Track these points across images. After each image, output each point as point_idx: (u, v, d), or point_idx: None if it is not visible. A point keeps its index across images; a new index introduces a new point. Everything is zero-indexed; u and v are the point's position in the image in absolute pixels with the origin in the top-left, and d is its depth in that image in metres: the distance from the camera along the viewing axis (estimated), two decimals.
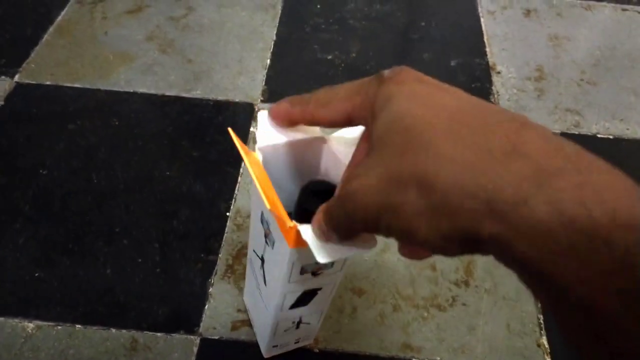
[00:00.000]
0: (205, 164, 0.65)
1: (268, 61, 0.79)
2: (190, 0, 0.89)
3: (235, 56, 0.80)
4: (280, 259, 0.35)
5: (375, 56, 0.82)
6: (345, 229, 0.27)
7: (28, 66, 0.76)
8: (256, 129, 0.66)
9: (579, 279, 0.19)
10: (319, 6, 0.90)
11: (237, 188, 0.63)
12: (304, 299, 0.40)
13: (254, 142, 0.67)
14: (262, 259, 0.40)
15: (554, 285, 0.20)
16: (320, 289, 0.40)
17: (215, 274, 0.55)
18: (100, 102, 0.71)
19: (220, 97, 0.73)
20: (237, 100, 0.73)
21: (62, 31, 0.81)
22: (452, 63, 0.82)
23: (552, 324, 0.53)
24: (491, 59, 0.83)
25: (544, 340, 0.52)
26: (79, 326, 0.51)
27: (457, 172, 0.21)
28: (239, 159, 0.65)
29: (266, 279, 0.40)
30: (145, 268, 0.55)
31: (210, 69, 0.77)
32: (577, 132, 0.73)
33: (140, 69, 0.76)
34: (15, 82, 0.73)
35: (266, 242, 0.37)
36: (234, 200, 0.62)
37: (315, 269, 0.36)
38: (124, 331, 0.51)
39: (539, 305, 0.55)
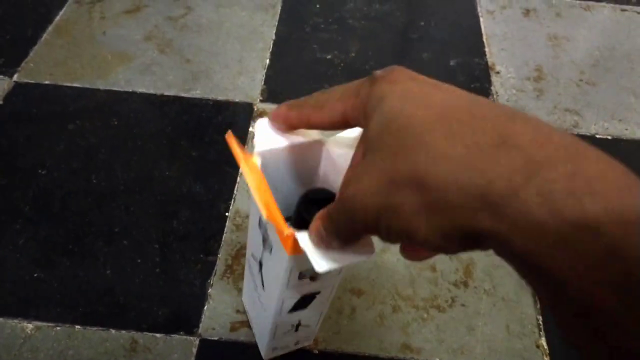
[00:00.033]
0: (205, 164, 0.65)
1: (267, 61, 0.79)
2: (188, 0, 0.88)
3: (234, 56, 0.80)
4: (278, 264, 0.35)
5: (375, 56, 0.82)
6: (346, 232, 0.27)
7: (27, 66, 0.75)
8: (255, 129, 0.66)
9: (573, 272, 0.19)
10: (318, 6, 0.90)
11: (236, 188, 0.63)
12: (303, 302, 0.40)
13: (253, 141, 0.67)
14: (260, 263, 0.40)
15: (552, 279, 0.20)
16: (318, 292, 0.40)
17: (215, 274, 0.55)
18: (100, 102, 0.71)
19: (220, 97, 0.73)
20: (236, 100, 0.73)
21: (61, 31, 0.81)
22: (452, 63, 0.82)
23: (551, 325, 0.53)
24: (490, 58, 0.83)
25: (543, 342, 0.53)
26: (79, 327, 0.51)
27: (450, 169, 0.21)
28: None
29: (264, 283, 0.40)
30: (144, 269, 0.55)
31: (209, 69, 0.77)
32: (576, 133, 0.73)
33: (139, 68, 0.76)
34: (14, 81, 0.73)
35: (264, 246, 0.37)
36: (233, 200, 0.61)
37: (314, 274, 0.36)
38: (123, 332, 0.51)
39: (539, 306, 0.55)
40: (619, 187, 0.19)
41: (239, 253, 0.57)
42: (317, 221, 0.28)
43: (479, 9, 0.93)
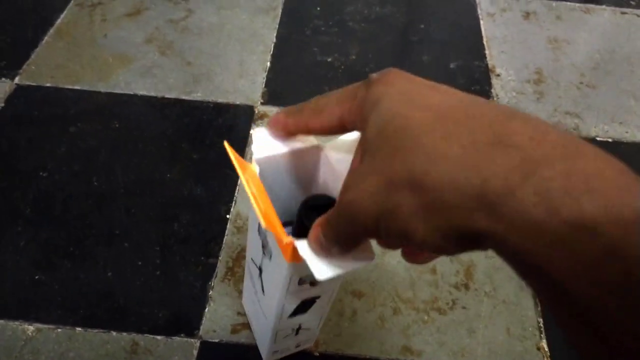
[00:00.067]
0: (205, 167, 0.65)
1: (268, 63, 0.80)
2: (189, 3, 0.89)
3: (235, 58, 0.80)
4: (277, 271, 0.35)
5: (375, 58, 0.82)
6: (347, 237, 0.27)
7: (28, 68, 0.75)
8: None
9: (571, 272, 0.19)
10: (318, 8, 0.90)
11: (237, 190, 0.63)
12: (303, 307, 0.40)
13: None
14: (260, 269, 0.40)
15: (550, 279, 0.20)
16: (318, 297, 0.40)
17: (215, 276, 0.55)
18: (101, 105, 0.71)
19: (220, 100, 0.73)
20: (237, 102, 0.73)
21: (62, 33, 0.81)
22: (452, 65, 0.82)
23: (552, 328, 0.53)
24: (490, 61, 0.84)
25: (544, 344, 0.53)
26: (79, 329, 0.51)
27: (446, 169, 0.21)
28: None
29: (264, 288, 0.40)
30: (145, 271, 0.55)
31: (210, 72, 0.77)
32: (576, 135, 0.73)
33: (140, 71, 0.76)
34: (16, 84, 0.73)
35: (264, 253, 0.37)
36: (234, 202, 0.62)
37: (314, 280, 0.36)
38: (124, 334, 0.51)
39: (539, 308, 0.55)
40: (618, 185, 0.19)
41: (240, 255, 0.57)
42: (316, 229, 0.28)
43: (479, 11, 0.93)
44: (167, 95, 0.73)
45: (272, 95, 0.75)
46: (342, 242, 0.27)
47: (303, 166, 0.37)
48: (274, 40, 0.84)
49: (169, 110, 0.71)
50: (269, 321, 0.41)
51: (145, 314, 0.52)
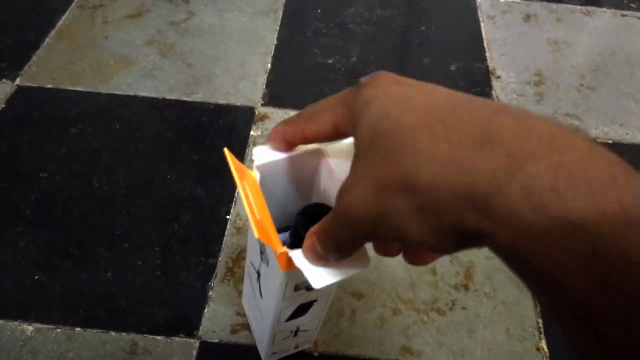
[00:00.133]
0: (206, 168, 0.65)
1: (269, 65, 0.80)
2: (190, 5, 0.89)
3: (236, 60, 0.80)
4: (274, 277, 0.35)
5: (376, 60, 0.82)
6: (346, 243, 0.27)
7: (29, 69, 0.76)
8: (255, 132, 0.66)
9: (559, 268, 0.19)
10: (319, 11, 0.90)
11: (237, 191, 0.63)
12: (301, 310, 0.40)
13: (254, 145, 0.67)
14: (259, 273, 0.40)
15: (541, 276, 0.20)
16: (315, 300, 0.40)
17: (215, 277, 0.55)
18: (102, 106, 0.72)
19: (221, 101, 0.73)
20: (237, 104, 0.73)
21: (63, 35, 0.81)
22: (452, 67, 0.82)
23: (551, 328, 0.53)
24: (491, 63, 0.84)
25: (544, 344, 0.52)
26: (79, 329, 0.51)
27: (435, 169, 0.21)
28: (240, 160, 0.65)
29: (262, 292, 0.40)
30: (145, 272, 0.55)
31: (211, 73, 0.77)
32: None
33: (141, 73, 0.77)
34: (17, 85, 0.73)
35: (261, 258, 0.37)
36: (234, 203, 0.62)
37: (310, 285, 0.37)
38: (123, 334, 0.51)
39: (539, 309, 0.55)
40: (604, 179, 0.18)
41: (240, 256, 0.57)
42: (310, 238, 0.28)
43: (479, 14, 0.93)
44: (167, 97, 0.73)
45: (272, 97, 0.75)
46: (340, 248, 0.27)
47: (304, 171, 0.37)
48: (275, 42, 0.84)
49: (169, 112, 0.72)
50: (267, 324, 0.41)
51: (145, 314, 0.52)
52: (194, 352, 0.50)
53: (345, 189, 0.25)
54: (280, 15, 0.89)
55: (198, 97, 0.74)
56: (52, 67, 0.76)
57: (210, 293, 0.54)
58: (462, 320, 0.54)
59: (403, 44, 0.86)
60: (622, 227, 0.17)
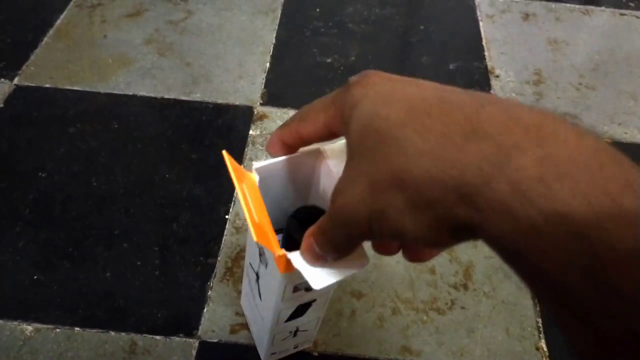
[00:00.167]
0: (205, 167, 0.65)
1: (268, 64, 0.80)
2: (189, 4, 0.89)
3: (234, 59, 0.80)
4: (273, 279, 0.35)
5: (374, 60, 0.82)
6: (343, 243, 0.27)
7: (28, 69, 0.76)
8: (254, 131, 0.66)
9: (548, 259, 0.19)
10: (318, 10, 0.90)
11: (236, 191, 0.63)
12: (300, 311, 0.40)
13: (253, 144, 0.67)
14: (257, 275, 0.40)
15: (531, 268, 0.20)
16: (314, 300, 0.40)
17: (215, 277, 0.55)
18: (100, 105, 0.71)
19: (220, 100, 0.73)
20: (236, 103, 0.73)
21: (62, 34, 0.81)
22: (451, 67, 0.82)
23: (551, 328, 0.53)
24: (490, 62, 0.84)
25: (543, 344, 0.53)
26: (78, 329, 0.51)
27: (424, 164, 0.22)
28: (239, 160, 0.65)
29: (261, 294, 0.40)
30: (144, 271, 0.55)
31: (210, 72, 0.77)
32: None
33: (139, 72, 0.76)
34: (15, 84, 0.73)
35: (260, 260, 0.37)
36: (233, 203, 0.62)
37: (309, 286, 0.37)
38: (123, 334, 0.51)
39: (538, 308, 0.55)
40: (590, 168, 0.18)
41: (239, 256, 0.57)
42: (307, 239, 0.28)
43: (478, 13, 0.93)
44: (166, 96, 0.73)
45: (271, 96, 0.75)
46: (337, 248, 0.27)
47: (302, 172, 0.37)
48: (274, 41, 0.84)
49: (168, 111, 0.71)
50: (266, 325, 0.41)
51: (144, 314, 0.52)
52: (194, 352, 0.50)
53: (339, 189, 0.25)
54: (279, 15, 0.89)
55: (197, 96, 0.74)
56: (50, 66, 0.76)
57: (209, 293, 0.54)
58: (461, 320, 0.54)
59: (402, 44, 0.86)
60: (609, 216, 0.17)
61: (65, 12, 0.85)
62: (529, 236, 0.19)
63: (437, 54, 0.84)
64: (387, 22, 0.89)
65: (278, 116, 0.72)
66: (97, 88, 0.74)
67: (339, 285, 0.51)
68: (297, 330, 0.44)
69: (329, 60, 0.81)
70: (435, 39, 0.87)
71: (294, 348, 0.49)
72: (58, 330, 0.51)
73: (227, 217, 0.60)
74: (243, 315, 0.52)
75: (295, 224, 0.34)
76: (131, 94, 0.73)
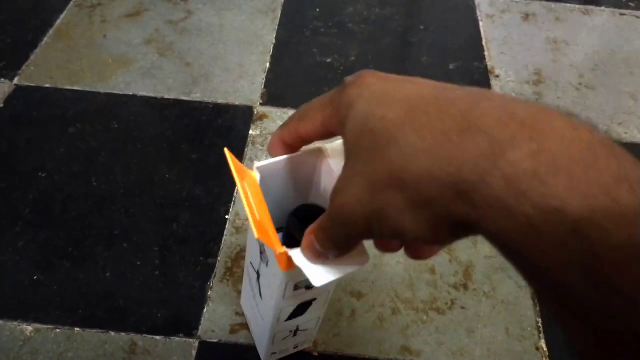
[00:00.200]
0: (205, 167, 0.65)
1: (268, 64, 0.80)
2: (189, 4, 0.89)
3: (234, 59, 0.80)
4: (274, 277, 0.35)
5: (374, 60, 0.82)
6: (342, 242, 0.27)
7: (27, 69, 0.76)
8: (254, 131, 0.66)
9: (544, 254, 0.19)
10: (318, 10, 0.90)
11: (236, 191, 0.63)
12: (300, 310, 0.40)
13: (253, 144, 0.67)
14: (258, 274, 0.40)
15: (528, 263, 0.20)
16: (315, 299, 0.40)
17: (215, 277, 0.55)
18: (100, 106, 0.71)
19: (220, 100, 0.73)
20: (236, 103, 0.73)
21: (62, 34, 0.81)
22: (451, 67, 0.82)
23: (551, 328, 0.53)
24: (490, 62, 0.84)
25: (543, 344, 0.53)
26: (78, 329, 0.51)
27: (422, 162, 0.22)
28: (239, 160, 0.65)
29: (262, 292, 0.41)
30: (144, 271, 0.55)
31: (210, 73, 0.77)
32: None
33: (139, 72, 0.76)
34: (15, 84, 0.73)
35: (261, 258, 0.38)
36: (233, 203, 0.62)
37: (309, 284, 0.37)
38: (123, 334, 0.51)
39: (538, 308, 0.55)
40: (585, 162, 0.18)
41: (239, 256, 0.57)
42: (308, 236, 0.28)
43: (478, 13, 0.93)
44: (166, 96, 0.73)
45: (271, 96, 0.75)
46: (337, 246, 0.27)
47: (303, 171, 0.37)
48: (274, 41, 0.84)
49: (168, 111, 0.71)
50: (267, 324, 0.41)
51: (144, 314, 0.52)
52: (194, 352, 0.50)
53: (338, 189, 0.25)
54: (279, 15, 0.89)
55: (197, 96, 0.74)
56: (50, 66, 0.76)
57: (209, 293, 0.54)
58: (461, 320, 0.54)
59: (402, 44, 0.86)
60: (605, 212, 0.17)
61: (65, 12, 0.85)
62: (526, 231, 0.19)
63: (437, 54, 0.84)
64: (387, 22, 0.89)
65: (278, 116, 0.72)
66: (97, 88, 0.74)
67: (339, 285, 0.51)
68: (297, 330, 0.44)
69: (329, 60, 0.81)
70: (435, 39, 0.87)
71: (294, 348, 0.49)
72: (58, 330, 0.51)
73: (227, 217, 0.60)
74: (243, 315, 0.52)
75: (295, 222, 0.34)
76: (131, 94, 0.73)
